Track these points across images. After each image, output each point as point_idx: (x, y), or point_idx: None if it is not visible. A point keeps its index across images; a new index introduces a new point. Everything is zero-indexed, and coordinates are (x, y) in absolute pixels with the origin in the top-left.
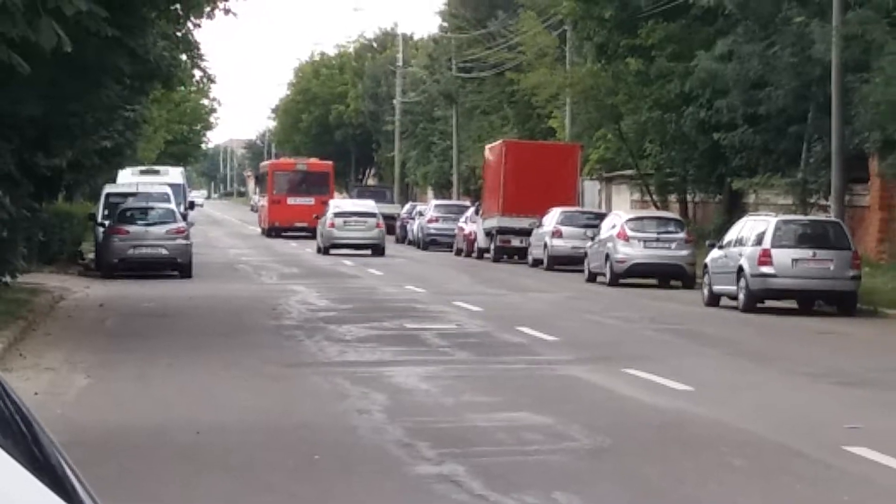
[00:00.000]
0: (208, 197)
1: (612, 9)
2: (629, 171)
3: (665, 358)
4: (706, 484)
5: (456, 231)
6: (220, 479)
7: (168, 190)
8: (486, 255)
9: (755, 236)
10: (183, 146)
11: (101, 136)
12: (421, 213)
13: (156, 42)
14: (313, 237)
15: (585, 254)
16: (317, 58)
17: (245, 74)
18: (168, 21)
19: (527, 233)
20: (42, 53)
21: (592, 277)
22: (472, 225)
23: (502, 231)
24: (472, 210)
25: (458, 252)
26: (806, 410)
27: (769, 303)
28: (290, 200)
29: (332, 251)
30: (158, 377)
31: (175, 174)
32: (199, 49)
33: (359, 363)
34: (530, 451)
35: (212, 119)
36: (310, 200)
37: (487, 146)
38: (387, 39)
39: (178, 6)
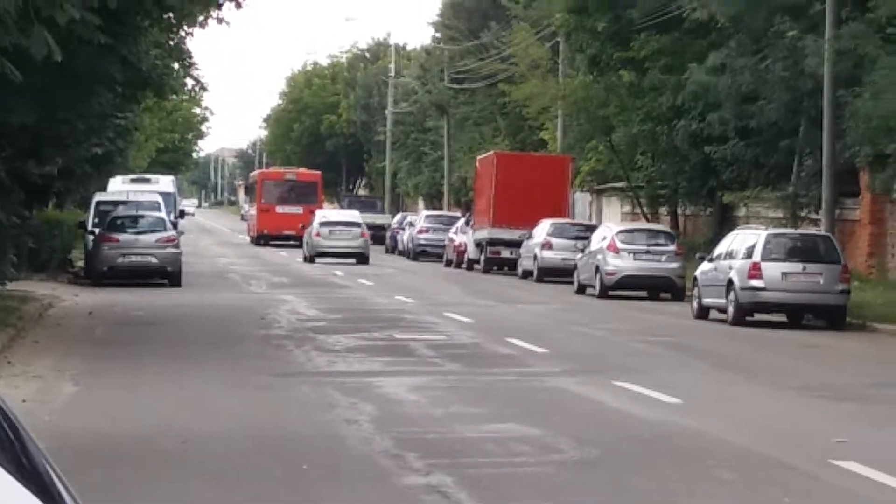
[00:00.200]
0: (199, 205)
1: (604, 21)
2: (620, 184)
3: (654, 370)
4: (694, 496)
5: (446, 242)
6: (208, 487)
7: (158, 198)
8: (476, 266)
9: (745, 249)
10: (174, 155)
11: (93, 143)
12: (411, 224)
13: (148, 50)
14: (301, 245)
15: (575, 266)
16: (309, 67)
17: (237, 84)
18: (160, 29)
19: (517, 244)
20: (34, 61)
21: (582, 289)
22: (463, 236)
23: (492, 242)
24: (462, 221)
25: (448, 263)
26: (794, 424)
27: (758, 316)
28: (279, 209)
29: (318, 259)
30: (146, 385)
31: (166, 182)
32: (191, 57)
33: (348, 373)
34: (519, 462)
35: (203, 128)
36: (298, 209)
37: (478, 157)
38: (379, 50)
39: (170, 15)
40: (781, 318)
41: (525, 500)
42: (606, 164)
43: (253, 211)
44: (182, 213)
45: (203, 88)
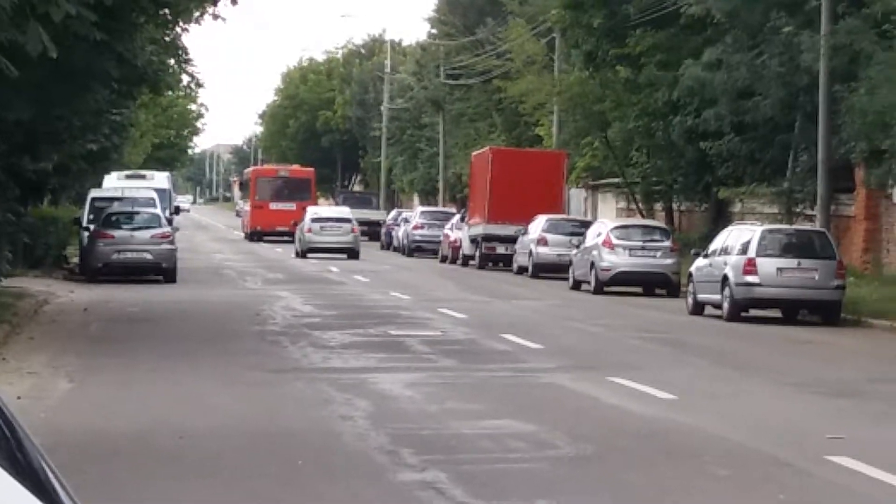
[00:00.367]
0: (194, 202)
1: (600, 17)
2: (615, 180)
3: (649, 366)
4: (689, 492)
5: (441, 238)
6: (203, 484)
7: (154, 194)
8: (471, 262)
9: (740, 245)
10: (169, 151)
11: (88, 140)
12: (406, 220)
13: (144, 46)
14: (294, 241)
15: (570, 262)
16: (305, 63)
17: (232, 80)
18: (156, 25)
19: (512, 240)
20: (29, 57)
21: (577, 285)
22: (458, 232)
23: (488, 238)
24: (457, 217)
25: (444, 259)
26: (789, 420)
27: (753, 312)
28: (273, 206)
29: (310, 255)
30: (141, 382)
31: (161, 179)
32: (186, 53)
33: (343, 369)
34: (514, 458)
35: (199, 124)
36: (291, 206)
37: (474, 153)
38: (375, 45)
39: (166, 11)
40: (776, 313)
41: (520, 496)
42: (602, 160)
43: (247, 207)
44: (177, 210)
45: (199, 85)
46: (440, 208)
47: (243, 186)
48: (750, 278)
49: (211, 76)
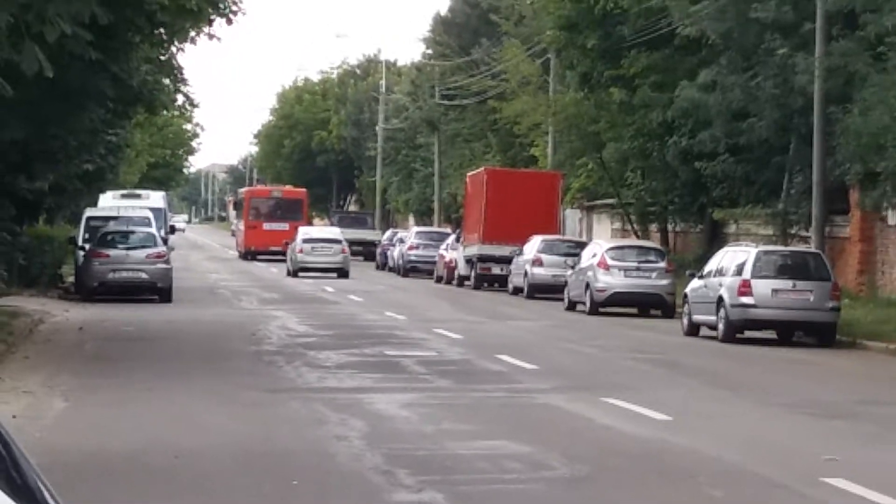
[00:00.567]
0: (189, 221)
1: (595, 38)
2: (610, 200)
3: (644, 387)
4: None
5: (437, 258)
6: (197, 503)
7: (149, 214)
8: (466, 282)
9: (735, 266)
10: (165, 170)
11: (83, 159)
12: (402, 240)
13: (139, 66)
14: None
15: (566, 282)
16: (300, 83)
17: (228, 99)
18: (151, 45)
19: (507, 261)
20: (25, 77)
21: (572, 306)
22: (453, 252)
23: (483, 259)
24: (452, 237)
25: (439, 279)
26: (784, 441)
27: (749, 333)
28: (266, 226)
29: (301, 274)
30: (137, 401)
31: (156, 198)
32: (182, 73)
33: (338, 389)
34: (509, 479)
35: (194, 144)
36: (284, 226)
37: (468, 174)
38: (370, 66)
39: (161, 31)
40: (771, 335)
41: None
42: (597, 181)
43: (241, 227)
44: (172, 229)
45: (193, 105)
46: (435, 228)
47: (237, 206)
48: (745, 299)
49: (206, 96)
